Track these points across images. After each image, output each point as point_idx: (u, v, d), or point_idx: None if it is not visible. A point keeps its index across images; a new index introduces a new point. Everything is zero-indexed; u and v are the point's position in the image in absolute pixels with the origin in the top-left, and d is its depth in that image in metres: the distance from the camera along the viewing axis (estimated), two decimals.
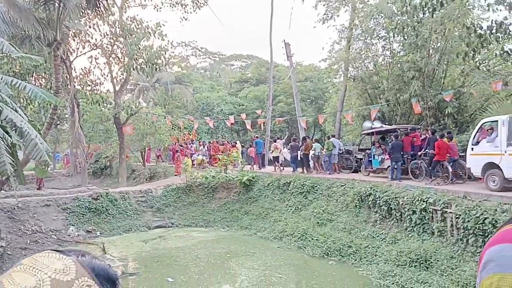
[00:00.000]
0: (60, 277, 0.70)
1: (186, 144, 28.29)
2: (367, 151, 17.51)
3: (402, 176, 14.48)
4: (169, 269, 12.10)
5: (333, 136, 19.60)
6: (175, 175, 22.14)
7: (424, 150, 14.15)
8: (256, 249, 14.00)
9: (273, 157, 21.02)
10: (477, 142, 11.70)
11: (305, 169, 18.80)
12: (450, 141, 13.22)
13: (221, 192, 19.53)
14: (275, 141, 21.90)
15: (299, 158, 19.18)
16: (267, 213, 17.06)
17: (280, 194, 17.49)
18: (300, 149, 18.99)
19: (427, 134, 15.17)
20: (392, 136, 15.74)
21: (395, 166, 14.40)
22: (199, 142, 30.11)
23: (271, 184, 18.13)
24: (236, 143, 25.80)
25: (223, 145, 25.71)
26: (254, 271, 11.82)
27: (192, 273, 11.80)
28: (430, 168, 13.24)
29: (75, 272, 0.73)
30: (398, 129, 16.38)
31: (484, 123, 11.77)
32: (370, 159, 16.54)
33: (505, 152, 10.65)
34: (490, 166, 11.05)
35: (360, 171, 17.19)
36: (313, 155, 18.45)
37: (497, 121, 11.17)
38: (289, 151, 20.20)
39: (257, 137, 24.10)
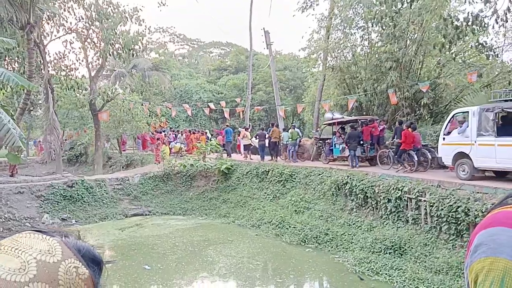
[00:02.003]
0: (46, 259, 0.67)
1: (157, 132, 27.96)
2: (328, 140, 18.21)
3: (363, 164, 15.51)
4: (146, 257, 12.02)
5: (294, 126, 20.08)
6: (155, 163, 21.85)
7: (392, 140, 14.77)
8: (234, 237, 14.04)
9: (244, 145, 21.33)
10: (449, 132, 12.02)
11: (273, 156, 19.20)
12: (413, 131, 13.70)
13: (200, 181, 19.45)
14: (246, 129, 22.02)
15: (267, 146, 19.59)
16: (245, 201, 17.10)
17: (259, 182, 17.54)
18: (267, 137, 19.27)
19: (384, 125, 16.58)
20: (349, 126, 16.44)
21: (353, 154, 15.15)
22: (171, 130, 29.75)
23: (249, 172, 18.16)
24: (204, 132, 25.80)
25: (194, 133, 25.62)
26: (231, 258, 11.85)
27: (169, 261, 11.75)
28: (396, 156, 13.79)
29: (61, 253, 0.69)
30: (359, 119, 16.93)
31: (455, 113, 12.10)
32: (331, 148, 17.21)
33: (475, 142, 10.95)
34: (461, 156, 11.35)
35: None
36: (282, 144, 19.03)
37: (468, 112, 11.45)
38: (256, 139, 20.40)
39: (227, 125, 24.30)
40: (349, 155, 15.59)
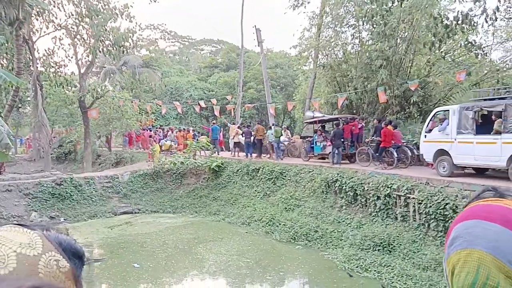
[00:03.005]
0: (26, 252, 0.66)
1: (144, 130, 27.89)
2: (308, 138, 18.61)
3: (343, 161, 15.84)
4: (136, 255, 11.97)
5: (273, 125, 20.53)
6: (148, 160, 21.70)
7: (372, 137, 15.21)
8: (224, 234, 14.03)
9: (234, 142, 21.53)
10: (430, 130, 12.34)
11: (258, 154, 19.43)
12: (394, 129, 14.16)
13: (190, 178, 19.40)
14: (238, 127, 22.18)
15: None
16: (235, 199, 17.10)
17: (249, 180, 17.55)
18: (253, 134, 19.50)
19: (363, 124, 17.25)
20: (334, 125, 16.95)
21: (336, 152, 15.41)
22: (160, 127, 29.68)
23: (240, 170, 18.16)
24: (189, 130, 25.96)
25: (180, 131, 25.69)
26: (222, 256, 11.85)
27: (159, 259, 11.71)
28: (377, 154, 14.15)
29: (42, 246, 0.69)
30: (340, 118, 17.29)
31: (437, 112, 12.44)
32: (312, 145, 17.59)
33: (455, 140, 11.31)
34: (441, 153, 11.69)
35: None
36: (268, 142, 19.30)
37: (448, 110, 11.84)
38: (243, 137, 20.55)
39: (213, 123, 24.44)
40: (330, 152, 16.03)
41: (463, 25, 15.26)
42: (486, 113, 11.54)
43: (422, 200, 10.50)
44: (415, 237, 10.45)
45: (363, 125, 17.48)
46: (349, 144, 16.29)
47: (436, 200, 10.09)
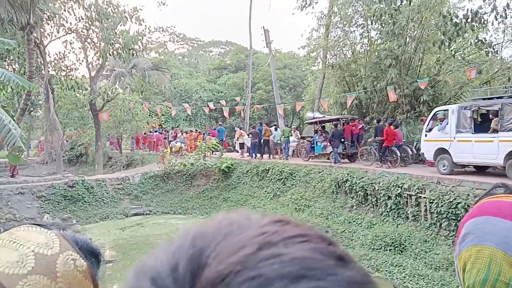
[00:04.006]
0: (44, 251, 0.67)
1: (151, 132, 28.06)
2: (309, 138, 18.91)
3: (344, 160, 16.36)
4: None
5: (276, 126, 20.72)
6: (159, 163, 21.80)
7: (374, 137, 15.36)
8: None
9: (239, 143, 21.74)
10: (430, 129, 12.58)
11: (262, 154, 19.58)
12: (395, 128, 14.42)
13: (200, 179, 19.45)
14: (240, 129, 22.41)
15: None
16: (245, 200, 17.12)
17: (259, 181, 17.55)
18: (260, 136, 19.60)
19: (363, 124, 17.63)
20: (333, 125, 17.37)
21: (336, 151, 15.78)
22: (164, 130, 29.85)
23: (249, 171, 18.17)
24: (193, 131, 26.35)
25: (186, 133, 26.08)
26: None
27: None
28: (380, 153, 14.42)
29: (59, 245, 0.70)
30: (340, 118, 17.62)
31: (437, 111, 12.70)
32: (312, 145, 17.72)
33: (454, 138, 11.54)
34: (441, 152, 11.91)
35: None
36: (274, 142, 19.51)
37: (447, 110, 12.11)
38: (250, 138, 20.61)
39: (220, 124, 24.82)
40: (331, 152, 16.22)
41: (473, 23, 15.11)
42: (485, 112, 11.69)
43: (434, 200, 10.41)
44: (427, 237, 10.38)
45: (363, 126, 17.67)
46: (350, 144, 16.54)
47: (447, 199, 10.01)
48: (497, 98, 11.14)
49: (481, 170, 11.68)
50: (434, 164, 12.45)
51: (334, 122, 17.53)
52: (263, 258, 0.30)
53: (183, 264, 0.31)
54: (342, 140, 16.16)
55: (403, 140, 14.87)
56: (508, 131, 10.23)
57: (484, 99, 11.63)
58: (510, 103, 10.38)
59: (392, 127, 14.31)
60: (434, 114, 12.71)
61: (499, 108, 10.55)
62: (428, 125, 12.76)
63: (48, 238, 0.70)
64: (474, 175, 11.37)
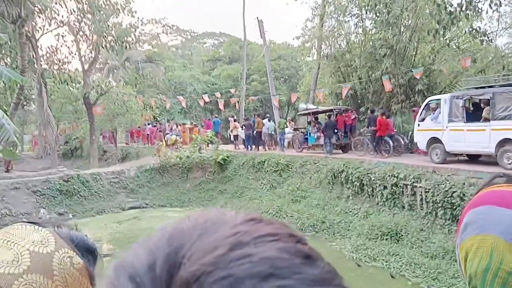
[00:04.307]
0: (39, 249, 0.66)
1: (145, 125, 28.02)
2: (302, 129, 19.05)
3: (337, 151, 16.57)
4: None
5: (268, 117, 20.91)
6: (154, 156, 21.78)
7: (367, 127, 15.58)
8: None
9: (233, 135, 21.82)
10: (423, 119, 12.69)
11: (257, 146, 19.74)
12: (387, 118, 14.61)
13: (196, 172, 19.45)
14: (235, 120, 22.36)
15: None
16: (242, 192, 17.15)
17: (255, 172, 17.58)
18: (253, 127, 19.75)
19: (356, 115, 17.87)
20: (326, 116, 17.69)
21: (328, 142, 16.03)
22: (158, 122, 29.81)
23: (245, 163, 18.18)
24: (186, 124, 26.59)
25: (180, 125, 26.25)
26: None
27: None
28: (374, 143, 14.58)
29: (55, 243, 0.69)
30: (333, 109, 17.82)
31: (429, 101, 12.80)
32: (306, 136, 17.92)
33: (446, 127, 11.65)
34: (434, 141, 12.05)
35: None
36: (267, 134, 19.74)
37: (440, 99, 12.20)
38: (243, 130, 20.78)
39: (215, 116, 25.06)
40: (324, 143, 16.38)
41: (467, 12, 15.14)
42: (477, 101, 11.81)
43: (429, 189, 10.48)
44: (423, 226, 10.46)
45: (356, 116, 17.90)
46: (343, 134, 16.73)
47: (443, 189, 10.07)
48: (489, 87, 11.22)
49: (473, 158, 11.81)
50: (427, 153, 12.60)
51: (327, 113, 17.76)
52: (234, 258, 0.31)
53: (160, 263, 0.32)
54: (336, 131, 16.32)
55: (394, 130, 15.04)
56: (499, 119, 10.34)
57: (475, 88, 11.73)
58: (501, 92, 10.49)
59: (384, 117, 14.46)
60: (427, 103, 12.82)
61: (490, 97, 10.66)
62: (421, 115, 12.88)
63: (43, 236, 0.69)
64: (467, 163, 11.50)
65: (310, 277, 0.32)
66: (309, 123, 18.34)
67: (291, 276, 0.31)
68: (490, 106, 10.66)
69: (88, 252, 0.75)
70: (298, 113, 21.11)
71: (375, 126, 14.43)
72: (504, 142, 10.19)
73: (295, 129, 19.85)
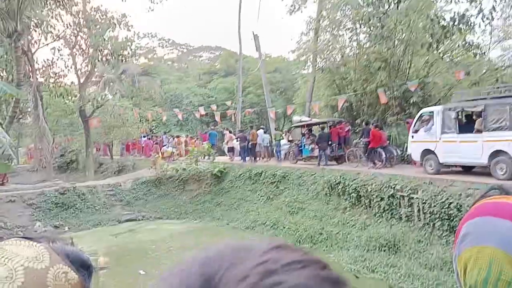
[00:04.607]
0: (33, 265, 0.65)
1: (141, 137, 28.02)
2: (296, 141, 19.22)
3: (331, 162, 16.66)
4: (141, 262, 11.96)
5: (264, 129, 21.14)
6: (151, 168, 21.71)
7: (359, 139, 16.02)
8: (229, 239, 14.00)
9: (228, 147, 21.90)
10: (417, 131, 12.81)
11: (252, 158, 19.79)
12: (380, 130, 14.76)
13: (193, 184, 19.39)
14: (230, 132, 22.67)
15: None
16: (239, 204, 17.10)
17: (252, 184, 17.55)
18: (248, 139, 19.84)
19: (349, 127, 18.03)
20: (319, 128, 17.86)
21: (322, 154, 16.16)
22: (154, 135, 29.79)
23: (242, 175, 18.16)
24: (180, 137, 26.52)
25: (176, 138, 26.28)
26: None
27: (164, 265, 11.70)
28: (366, 154, 14.77)
29: (49, 259, 0.68)
30: (327, 121, 18.04)
31: (422, 113, 12.93)
32: (300, 148, 18.06)
33: (440, 139, 11.78)
34: (427, 152, 12.17)
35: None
36: (261, 145, 19.85)
37: (433, 111, 12.33)
38: (238, 142, 20.95)
39: (212, 129, 25.09)
40: (318, 155, 16.50)
41: (460, 26, 15.35)
42: (469, 113, 11.99)
43: (426, 200, 10.52)
44: (421, 237, 10.46)
45: (350, 128, 18.07)
46: (337, 146, 16.85)
47: (440, 200, 10.11)
48: (481, 99, 11.35)
49: (467, 169, 11.89)
50: (420, 164, 12.76)
51: (320, 125, 17.94)
52: (266, 286, 0.32)
53: None
54: (330, 142, 16.48)
55: (387, 142, 15.18)
56: (491, 131, 10.46)
57: (468, 100, 11.85)
58: (493, 104, 10.61)
59: (377, 129, 14.65)
60: (420, 115, 12.97)
61: (482, 109, 10.79)
62: (414, 126, 13.03)
63: (37, 252, 0.67)
64: (461, 174, 11.59)
65: None
66: (303, 135, 18.49)
67: None
68: (482, 117, 10.80)
69: (83, 267, 0.74)
70: (293, 125, 21.23)
71: (369, 138, 14.61)
72: (496, 153, 10.31)
73: (289, 141, 19.92)
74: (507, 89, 11.52)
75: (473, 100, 11.64)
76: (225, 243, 0.40)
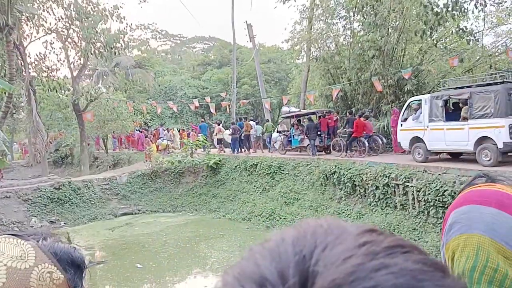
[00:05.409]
0: (17, 265, 0.65)
1: (133, 131, 27.96)
2: (285, 132, 19.39)
3: (320, 152, 16.84)
4: (138, 255, 11.99)
5: (256, 121, 21.36)
6: (145, 161, 21.68)
7: (343, 129, 16.29)
8: (225, 231, 14.07)
9: (217, 139, 22.04)
10: (405, 119, 13.01)
11: (246, 149, 19.98)
12: (365, 120, 14.97)
13: (188, 177, 19.39)
14: (218, 125, 22.70)
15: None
16: (235, 195, 17.13)
17: (248, 176, 17.57)
18: (241, 131, 19.99)
19: (338, 117, 18.14)
20: (306, 119, 18.09)
21: (313, 144, 16.32)
22: (144, 128, 29.80)
23: (238, 166, 18.17)
24: (173, 129, 26.71)
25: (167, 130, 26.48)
26: (224, 252, 11.90)
27: (161, 258, 11.75)
28: (348, 143, 15.05)
29: (34, 258, 0.67)
30: (317, 112, 18.30)
31: (411, 101, 13.15)
32: (290, 139, 18.23)
33: (428, 127, 11.97)
34: (416, 140, 12.35)
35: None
36: (254, 136, 20.09)
37: (421, 100, 12.52)
38: (229, 134, 20.99)
39: (202, 121, 25.55)
40: (308, 145, 16.75)
41: (454, 12, 15.31)
42: (456, 101, 12.10)
43: (421, 188, 10.56)
44: (415, 225, 10.53)
45: (338, 118, 18.17)
46: (326, 136, 16.99)
47: (434, 187, 10.15)
48: (466, 87, 11.52)
49: (455, 156, 12.12)
50: (405, 152, 13.21)
51: (308, 116, 18.13)
52: (373, 268, 0.30)
53: (291, 271, 0.31)
54: (319, 133, 16.64)
55: (373, 131, 15.36)
56: (476, 118, 10.66)
57: (454, 88, 12.05)
58: (478, 92, 10.78)
59: (362, 119, 14.85)
60: (409, 104, 13.16)
61: (468, 97, 10.98)
62: (403, 115, 13.20)
63: (23, 250, 0.67)
64: (449, 161, 11.82)
65: None
66: (292, 125, 18.63)
67: None
68: (468, 105, 11.01)
69: (73, 265, 0.73)
70: (281, 116, 21.37)
71: (352, 128, 14.87)
72: (481, 140, 10.53)
73: (278, 132, 19.96)
74: (500, 75, 11.62)
75: (459, 88, 11.84)
76: (316, 222, 0.37)
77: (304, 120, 18.92)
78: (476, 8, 15.53)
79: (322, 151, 17.07)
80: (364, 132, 14.66)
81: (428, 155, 12.01)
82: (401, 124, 13.19)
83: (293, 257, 0.32)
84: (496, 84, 10.75)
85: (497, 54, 19.47)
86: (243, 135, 19.80)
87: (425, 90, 18.86)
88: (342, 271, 0.30)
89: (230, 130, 20.81)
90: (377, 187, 11.97)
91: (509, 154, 10.28)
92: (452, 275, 0.34)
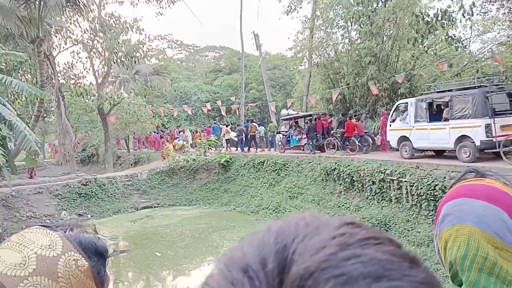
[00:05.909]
0: (46, 253, 0.66)
1: (151, 133, 28.08)
2: (284, 132, 19.47)
3: (316, 151, 16.70)
4: (157, 245, 12.05)
5: (252, 121, 21.33)
6: (163, 160, 21.76)
7: (336, 129, 16.45)
8: (236, 222, 14.08)
9: (225, 139, 22.19)
10: (394, 120, 13.10)
11: (254, 147, 20.07)
12: (357, 121, 15.21)
13: (202, 173, 19.43)
14: (226, 126, 22.90)
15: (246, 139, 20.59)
16: (244, 190, 17.14)
17: (255, 172, 17.57)
18: (246, 132, 20.17)
19: (332, 119, 18.19)
20: (307, 120, 18.19)
21: (310, 143, 16.47)
22: (160, 130, 29.89)
23: (246, 164, 18.18)
24: (184, 131, 26.69)
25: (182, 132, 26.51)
26: (234, 242, 11.89)
27: (178, 247, 11.79)
28: (341, 142, 15.21)
29: (62, 247, 0.68)
30: (312, 114, 18.38)
31: (398, 104, 13.24)
32: (288, 139, 18.30)
33: (413, 127, 12.09)
34: (403, 139, 12.44)
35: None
36: (258, 136, 20.28)
37: (407, 102, 12.65)
38: (236, 135, 21.25)
39: (215, 122, 25.68)
40: (305, 144, 16.96)
41: (443, 21, 15.22)
42: (439, 103, 12.08)
43: (414, 183, 10.50)
44: (409, 217, 10.46)
45: (332, 120, 18.20)
46: (321, 136, 17.10)
47: (426, 182, 10.09)
48: (448, 91, 11.58)
49: (439, 153, 12.12)
50: (392, 149, 13.51)
51: (308, 118, 18.23)
52: (344, 257, 0.30)
53: (271, 258, 0.32)
54: (316, 133, 16.78)
55: (365, 131, 15.41)
56: (456, 119, 10.76)
57: (437, 92, 12.15)
58: (458, 95, 10.86)
59: (353, 120, 15.12)
60: (397, 106, 13.25)
61: (449, 99, 11.06)
62: (392, 116, 13.30)
63: (52, 240, 0.69)
64: (433, 158, 11.90)
65: (419, 280, 0.31)
66: (290, 126, 18.66)
67: (402, 278, 0.30)
68: (449, 107, 11.07)
69: (97, 253, 0.74)
70: (281, 118, 21.49)
71: (344, 128, 15.04)
72: (461, 138, 10.61)
73: (277, 132, 19.92)
74: (487, 79, 11.55)
75: (441, 92, 11.93)
76: (299, 216, 0.37)
77: (306, 121, 18.80)
78: (464, 17, 15.42)
79: (318, 150, 17.08)
80: (356, 132, 14.75)
81: (414, 152, 12.12)
82: (390, 125, 13.28)
83: (275, 246, 0.33)
84: (473, 88, 10.84)
85: (483, 59, 19.26)
86: (249, 135, 19.97)
87: (417, 93, 18.70)
88: (315, 259, 0.30)
89: (236, 131, 21.00)
90: (373, 182, 11.92)
91: (485, 151, 10.28)
92: (421, 266, 0.34)
